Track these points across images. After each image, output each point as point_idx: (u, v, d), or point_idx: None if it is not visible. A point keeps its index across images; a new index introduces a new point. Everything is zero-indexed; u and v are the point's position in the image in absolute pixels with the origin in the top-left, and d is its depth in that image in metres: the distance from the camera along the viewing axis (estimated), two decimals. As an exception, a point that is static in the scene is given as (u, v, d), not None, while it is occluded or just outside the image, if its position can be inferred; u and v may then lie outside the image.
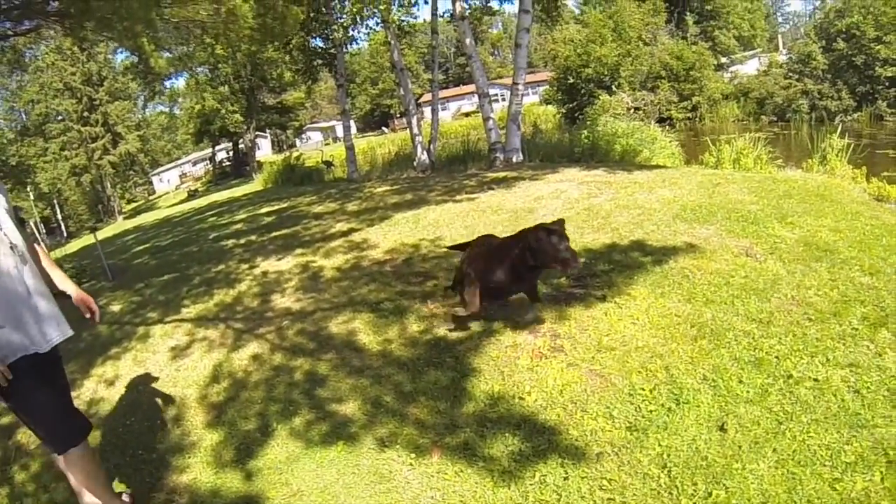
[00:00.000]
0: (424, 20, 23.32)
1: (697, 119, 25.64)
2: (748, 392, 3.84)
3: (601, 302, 5.13)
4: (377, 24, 17.93)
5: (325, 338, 5.49)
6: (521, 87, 13.82)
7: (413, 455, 3.79)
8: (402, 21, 17.46)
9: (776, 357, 4.15)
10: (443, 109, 64.66)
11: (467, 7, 16.02)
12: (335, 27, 17.07)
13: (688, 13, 41.73)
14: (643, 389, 3.98)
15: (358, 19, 16.77)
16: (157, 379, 5.44)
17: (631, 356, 4.35)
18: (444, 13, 18.60)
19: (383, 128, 71.50)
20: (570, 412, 3.89)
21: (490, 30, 77.49)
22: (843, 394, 3.74)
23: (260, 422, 4.48)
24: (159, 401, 5.10)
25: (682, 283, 5.25)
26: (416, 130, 17.29)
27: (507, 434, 3.78)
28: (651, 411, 3.79)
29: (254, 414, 4.59)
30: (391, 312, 5.68)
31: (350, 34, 18.16)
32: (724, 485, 3.20)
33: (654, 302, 5.02)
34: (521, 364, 4.46)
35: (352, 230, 8.69)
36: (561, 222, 4.17)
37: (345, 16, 17.30)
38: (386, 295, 6.08)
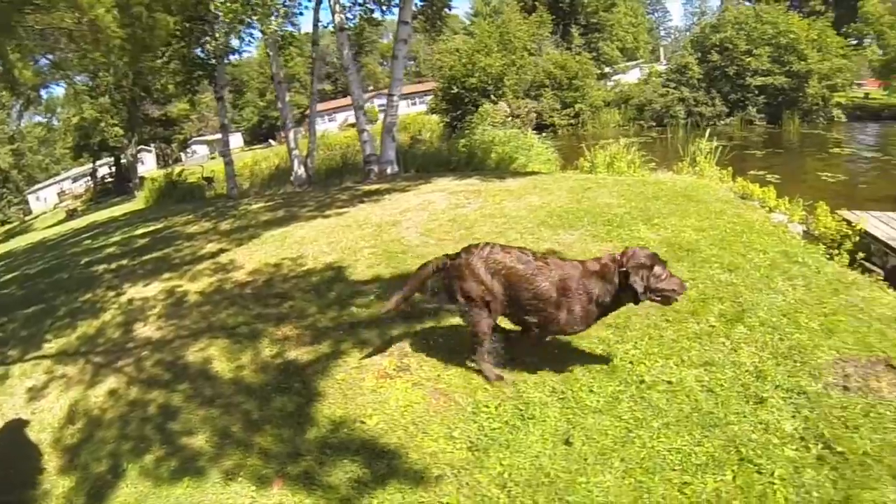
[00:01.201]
0: (307, 32, 22.78)
1: (580, 125, 26.60)
2: (598, 402, 3.73)
3: (453, 317, 4.91)
4: (254, 35, 17.29)
5: (181, 367, 5.19)
6: (396, 98, 13.61)
7: (255, 487, 3.58)
8: (281, 31, 16.85)
9: (630, 362, 4.07)
10: (330, 121, 63.91)
11: (349, 19, 15.63)
12: (210, 37, 16.31)
13: (573, 25, 43.30)
14: (487, 407, 3.83)
15: (234, 29, 16.08)
16: (11, 424, 5.05)
17: (476, 374, 4.17)
18: (328, 24, 18.16)
19: (270, 140, 69.65)
20: (411, 434, 3.72)
21: (381, 39, 77.34)
22: (697, 394, 3.70)
23: (112, 462, 4.20)
24: (12, 449, 4.77)
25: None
26: (292, 145, 16.75)
27: (346, 460, 3.60)
28: (494, 429, 3.64)
29: (106, 455, 4.30)
30: (246, 337, 5.37)
31: (230, 44, 17.40)
32: (566, 501, 3.07)
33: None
34: (365, 386, 4.27)
35: (221, 251, 8.23)
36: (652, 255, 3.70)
37: (220, 25, 16.56)
38: (243, 319, 5.76)
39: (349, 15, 15.33)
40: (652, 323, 4.50)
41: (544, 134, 25.14)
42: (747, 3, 37.95)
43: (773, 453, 3.21)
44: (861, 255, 6.73)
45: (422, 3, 15.74)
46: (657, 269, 3.61)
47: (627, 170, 10.23)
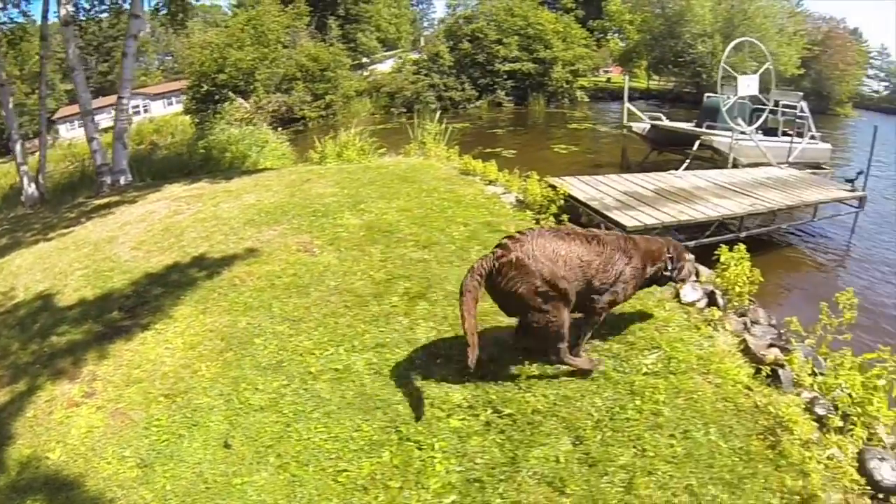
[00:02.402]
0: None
1: (331, 116, 26.56)
2: (262, 399, 3.62)
3: (143, 331, 4.58)
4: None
5: None
6: (126, 101, 12.34)
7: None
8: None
9: (300, 354, 3.98)
10: (81, 126, 58.07)
11: (77, 10, 13.74)
12: None
13: (331, 17, 43.04)
14: (160, 420, 3.61)
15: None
16: None
17: (156, 386, 3.92)
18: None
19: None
20: (89, 461, 3.45)
21: (145, 29, 71.64)
22: (364, 378, 3.68)
23: None
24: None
25: (227, 294, 4.88)
26: (20, 159, 14.70)
27: (30, 500, 3.27)
28: (163, 442, 3.44)
29: None
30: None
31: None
32: (221, 505, 2.94)
33: (195, 320, 4.59)
34: (53, 418, 3.87)
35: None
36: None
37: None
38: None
39: (72, 7, 13.52)
40: (330, 311, 4.43)
41: (295, 127, 24.90)
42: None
43: (437, 427, 3.25)
44: (566, 216, 7.00)
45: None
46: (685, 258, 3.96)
47: (357, 157, 10.17)
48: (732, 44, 17.01)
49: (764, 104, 15.05)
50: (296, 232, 5.99)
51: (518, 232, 3.48)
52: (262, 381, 3.77)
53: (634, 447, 3.15)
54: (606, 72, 52.79)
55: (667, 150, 15.71)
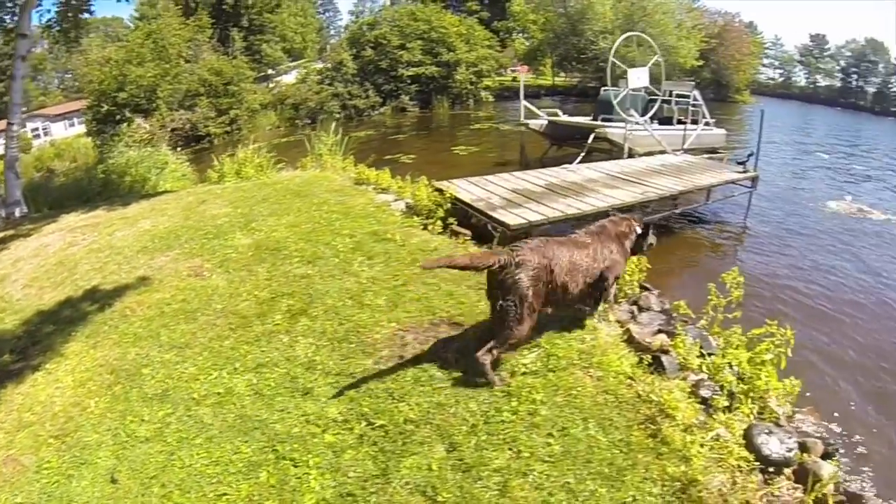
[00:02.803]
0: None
1: (236, 131, 26.05)
2: (148, 430, 3.75)
3: (34, 372, 4.64)
4: None
5: None
6: (16, 127, 11.92)
7: None
8: None
9: (186, 381, 4.14)
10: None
11: None
12: None
13: (234, 28, 42.17)
14: (50, 462, 3.67)
15: None
16: None
17: (46, 428, 3.99)
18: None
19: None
20: None
21: (35, 49, 68.00)
22: (244, 400, 3.86)
23: None
24: None
25: (118, 326, 5.01)
26: None
27: None
28: (53, 485, 3.51)
29: None
30: None
31: None
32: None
33: (86, 356, 4.70)
34: None
35: None
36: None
37: None
38: None
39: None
40: (216, 335, 4.63)
41: (201, 144, 24.38)
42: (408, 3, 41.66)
43: (312, 443, 3.43)
44: (452, 220, 7.17)
45: (57, 9, 13.57)
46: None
47: (255, 174, 10.24)
48: (620, 38, 17.83)
49: (657, 95, 15.78)
50: (188, 256, 6.15)
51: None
52: (149, 411, 3.90)
53: (510, 449, 3.24)
54: (514, 71, 54.30)
55: (566, 144, 16.14)
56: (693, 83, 17.64)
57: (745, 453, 3.36)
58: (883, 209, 13.56)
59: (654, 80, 16.17)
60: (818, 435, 4.40)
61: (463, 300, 4.78)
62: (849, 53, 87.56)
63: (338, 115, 27.32)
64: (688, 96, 16.39)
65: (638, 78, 15.36)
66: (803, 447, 3.78)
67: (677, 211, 10.54)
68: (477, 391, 3.66)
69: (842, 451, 4.67)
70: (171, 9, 33.42)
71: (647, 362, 4.04)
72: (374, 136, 22.25)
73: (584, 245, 4.16)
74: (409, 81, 31.46)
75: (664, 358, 4.15)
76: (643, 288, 5.99)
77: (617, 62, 15.83)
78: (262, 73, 36.03)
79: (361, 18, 41.74)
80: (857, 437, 5.03)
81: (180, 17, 33.10)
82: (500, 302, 3.62)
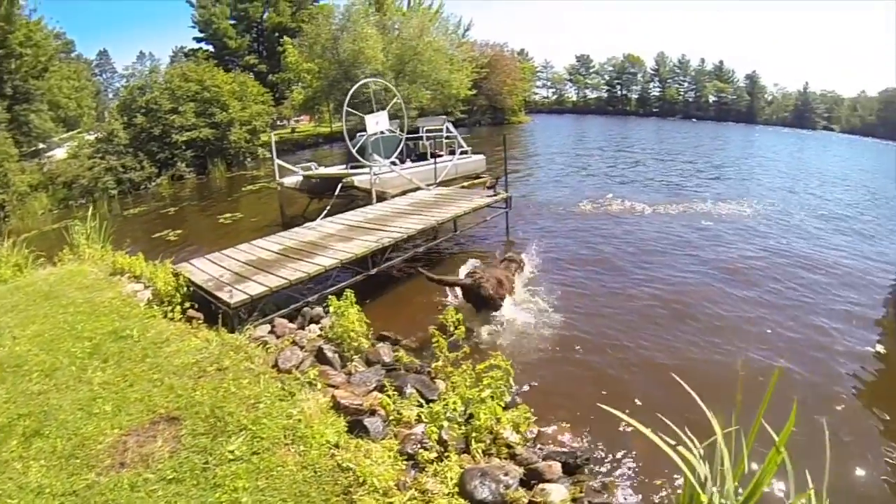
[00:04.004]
0: None
1: (5, 220, 23.06)
2: None
3: None
4: None
5: None
6: None
7: None
8: None
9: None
10: None
11: None
12: None
13: (-5, 98, 38.07)
14: None
15: None
16: None
17: None
18: None
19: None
20: None
21: None
22: None
23: None
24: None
25: None
26: None
27: None
28: None
29: None
30: None
31: None
32: None
33: None
34: None
35: None
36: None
37: None
38: None
39: None
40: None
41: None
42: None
43: None
44: (189, 304, 7.02)
45: None
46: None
47: (11, 275, 9.51)
48: (354, 87, 18.06)
49: (411, 134, 16.80)
50: None
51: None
52: None
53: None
54: (297, 121, 54.94)
55: (325, 196, 15.77)
56: (444, 118, 18.76)
57: (461, 502, 3.49)
58: (631, 202, 16.65)
59: (396, 118, 17.34)
60: (565, 450, 4.72)
61: (181, 392, 4.88)
62: (611, 68, 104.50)
63: (113, 191, 25.41)
64: (440, 130, 17.59)
65: (377, 122, 15.95)
66: (533, 475, 4.03)
67: (435, 242, 11.25)
68: (186, 487, 3.68)
69: (599, 456, 4.93)
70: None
71: (345, 427, 4.19)
72: (147, 211, 20.86)
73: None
74: (183, 147, 30.10)
75: (367, 421, 4.29)
76: (381, 338, 6.37)
77: (351, 110, 16.45)
78: (33, 148, 32.57)
79: (132, 82, 39.01)
80: (613, 439, 5.15)
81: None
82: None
